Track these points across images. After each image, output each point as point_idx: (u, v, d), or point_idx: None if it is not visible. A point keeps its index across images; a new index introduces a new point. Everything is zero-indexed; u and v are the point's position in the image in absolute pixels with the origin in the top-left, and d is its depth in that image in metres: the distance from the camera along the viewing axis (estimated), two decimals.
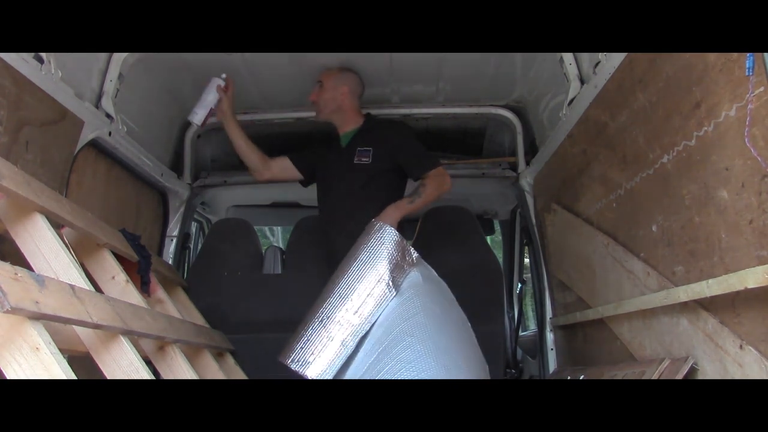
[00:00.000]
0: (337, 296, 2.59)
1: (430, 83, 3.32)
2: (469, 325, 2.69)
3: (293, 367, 2.54)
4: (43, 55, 2.09)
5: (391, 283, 2.55)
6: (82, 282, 1.76)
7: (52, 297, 1.43)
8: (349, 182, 2.91)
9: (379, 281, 2.56)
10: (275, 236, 10.64)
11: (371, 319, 2.53)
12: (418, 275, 2.63)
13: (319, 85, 3.00)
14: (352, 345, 2.53)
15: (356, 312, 2.54)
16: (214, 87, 2.91)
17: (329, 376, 2.51)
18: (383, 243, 2.62)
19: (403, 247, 2.63)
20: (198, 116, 2.92)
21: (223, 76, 2.93)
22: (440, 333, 2.47)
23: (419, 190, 2.77)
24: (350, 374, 2.50)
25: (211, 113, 2.95)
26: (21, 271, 1.36)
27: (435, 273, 2.72)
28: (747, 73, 1.46)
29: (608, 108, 2.33)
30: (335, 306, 2.58)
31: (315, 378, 2.50)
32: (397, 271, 2.59)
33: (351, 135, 3.03)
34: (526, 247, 3.80)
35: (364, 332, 2.53)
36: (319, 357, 2.52)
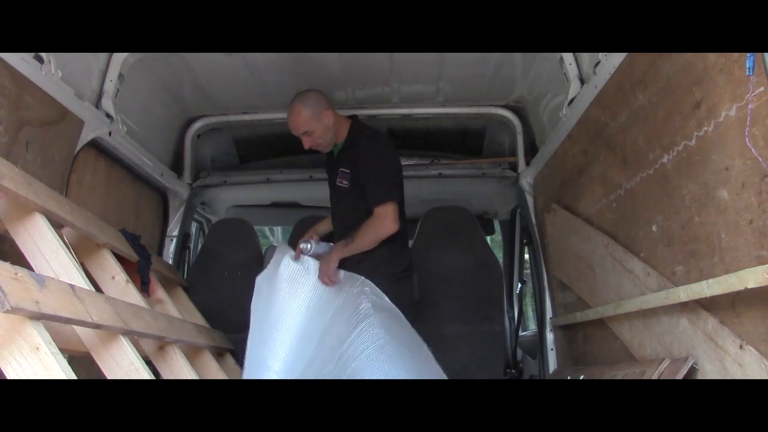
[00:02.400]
0: None
1: (430, 83, 3.32)
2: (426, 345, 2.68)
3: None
4: (43, 55, 2.09)
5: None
6: (82, 282, 1.76)
7: (52, 297, 1.42)
8: (339, 204, 2.98)
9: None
10: (275, 236, 10.63)
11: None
12: (370, 306, 2.62)
13: (306, 134, 2.88)
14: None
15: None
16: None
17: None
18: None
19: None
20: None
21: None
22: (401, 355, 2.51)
23: (354, 234, 2.79)
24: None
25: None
26: (21, 271, 1.36)
27: (388, 301, 2.70)
28: (747, 73, 1.46)
29: (608, 108, 2.33)
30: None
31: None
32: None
33: (340, 147, 2.97)
34: (526, 247, 3.80)
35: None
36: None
